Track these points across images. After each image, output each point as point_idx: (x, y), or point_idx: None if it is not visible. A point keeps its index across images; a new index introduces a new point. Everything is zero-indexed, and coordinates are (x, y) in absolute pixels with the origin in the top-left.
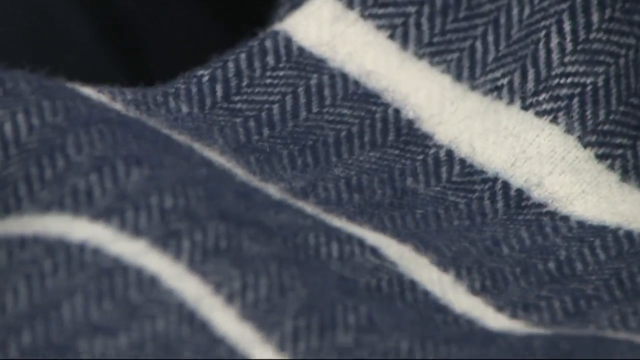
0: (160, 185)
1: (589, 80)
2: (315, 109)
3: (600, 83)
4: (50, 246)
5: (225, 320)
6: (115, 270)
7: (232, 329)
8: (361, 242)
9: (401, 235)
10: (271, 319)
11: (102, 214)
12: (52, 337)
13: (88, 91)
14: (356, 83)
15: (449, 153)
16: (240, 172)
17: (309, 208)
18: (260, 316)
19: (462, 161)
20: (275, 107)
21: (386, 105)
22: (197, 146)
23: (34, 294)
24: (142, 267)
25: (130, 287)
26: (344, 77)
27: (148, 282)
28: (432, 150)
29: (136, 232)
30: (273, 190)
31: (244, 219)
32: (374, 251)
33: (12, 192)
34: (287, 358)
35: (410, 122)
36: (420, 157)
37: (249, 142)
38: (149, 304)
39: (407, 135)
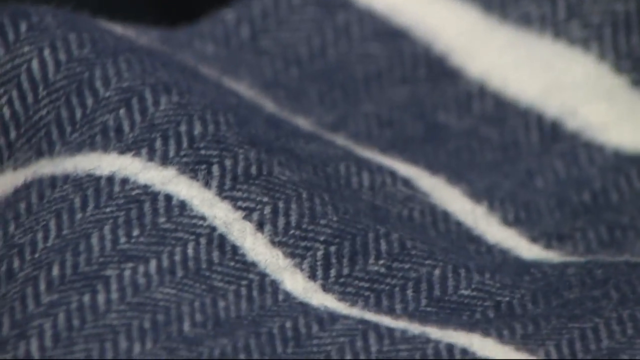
0: (189, 112)
1: (621, 6)
2: (343, 47)
3: (632, 8)
4: (79, 182)
5: (256, 246)
6: (144, 198)
7: (262, 254)
8: (393, 173)
9: (433, 167)
10: (302, 246)
11: (131, 147)
12: (81, 267)
13: (114, 27)
14: (384, 20)
15: (481, 86)
16: (269, 105)
17: (340, 140)
18: (291, 243)
19: (495, 94)
20: (303, 46)
21: (415, 41)
22: (225, 80)
23: (63, 229)
24: (171, 194)
25: (159, 213)
26: (372, 13)
27: (177, 208)
28: (464, 84)
29: (165, 160)
30: (303, 122)
31: (274, 146)
32: (406, 182)
33: (45, 137)
34: (318, 285)
35: (440, 57)
36: (452, 91)
37: (276, 80)
38: (179, 230)
39: (438, 70)
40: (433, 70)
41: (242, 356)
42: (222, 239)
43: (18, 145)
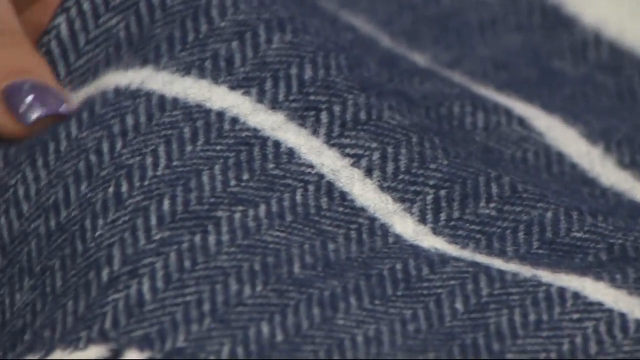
0: (300, 53)
1: None
2: None
3: None
4: (189, 112)
5: (364, 192)
6: (253, 142)
7: (371, 200)
8: (508, 112)
9: (549, 107)
10: (411, 190)
11: (241, 84)
12: (192, 205)
13: None
14: None
15: (596, 34)
16: (385, 39)
17: (456, 77)
18: (400, 187)
19: (611, 42)
20: None
21: None
22: (342, 13)
23: (173, 159)
24: (280, 140)
25: (268, 159)
26: None
27: (286, 155)
28: (579, 32)
29: (275, 104)
30: (419, 58)
31: (385, 89)
32: (521, 121)
33: (153, 49)
34: (429, 228)
35: (555, 5)
36: (567, 39)
37: (390, 22)
38: (287, 177)
39: (553, 18)
40: (548, 18)
41: (352, 298)
42: (330, 185)
43: (126, 56)
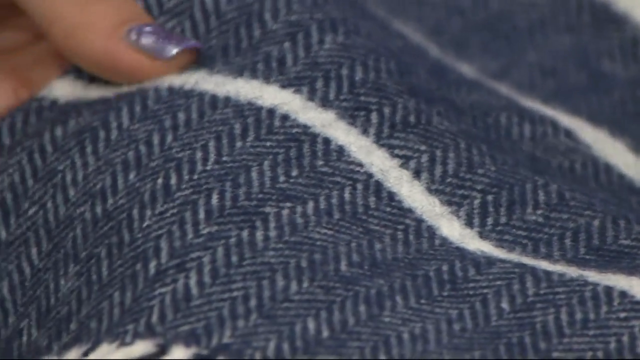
0: (352, 55)
1: None
2: None
3: None
4: (240, 109)
5: (412, 193)
6: (303, 138)
7: (419, 201)
8: (555, 124)
9: (596, 119)
10: (459, 194)
11: (292, 82)
12: (240, 201)
13: None
14: None
15: None
16: (433, 49)
17: (503, 89)
18: (448, 191)
19: None
20: None
21: None
22: (391, 20)
23: (223, 155)
24: (329, 138)
25: (317, 156)
26: None
27: (335, 153)
28: (630, 30)
29: (325, 102)
30: (467, 69)
31: (434, 96)
32: (568, 133)
33: (208, 57)
34: (475, 232)
35: (605, 2)
36: (617, 37)
37: (440, 28)
38: (336, 174)
39: (603, 16)
40: (597, 16)
41: (398, 297)
42: (379, 185)
43: None
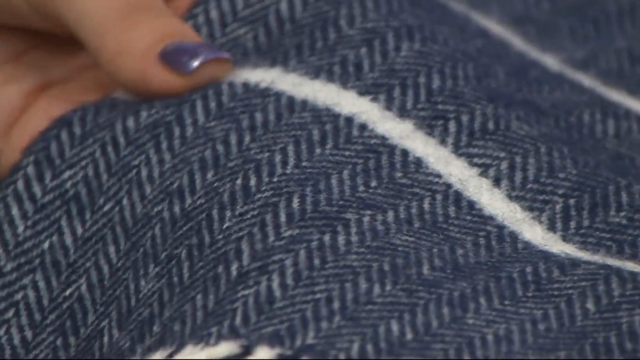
0: (429, 62)
1: None
2: None
3: None
4: (318, 114)
5: (492, 201)
6: (381, 150)
7: (499, 209)
8: None
9: None
10: (540, 199)
11: (369, 90)
12: (321, 206)
13: None
14: None
15: None
16: (517, 42)
17: (587, 81)
18: (529, 197)
19: None
20: None
21: None
22: (473, 16)
23: (302, 160)
24: (408, 149)
25: (396, 167)
26: None
27: (413, 165)
28: None
29: (403, 111)
30: (551, 61)
31: (513, 99)
32: None
33: (282, 53)
34: (558, 236)
35: None
36: None
37: (527, 14)
38: (415, 186)
39: None
40: None
41: (481, 299)
42: (458, 195)
43: (253, 58)
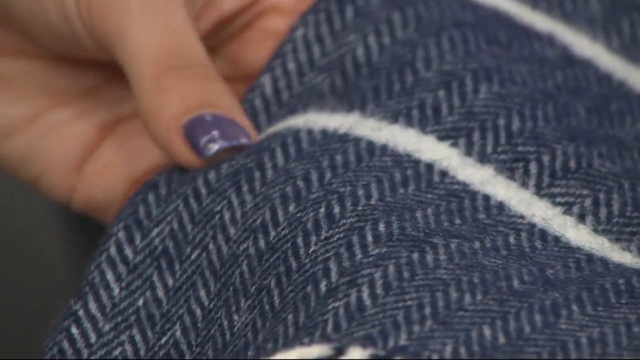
0: (508, 104)
1: None
2: None
3: None
4: (399, 159)
5: (578, 235)
6: (463, 195)
7: (587, 241)
8: None
9: None
10: (627, 231)
11: (449, 134)
12: (408, 231)
13: None
14: None
15: None
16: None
17: None
18: (616, 230)
19: None
20: None
21: None
22: (559, 32)
23: (386, 196)
24: (489, 194)
25: (478, 210)
26: None
27: (496, 208)
28: None
29: (483, 157)
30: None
31: (595, 136)
32: None
33: (359, 97)
34: None
35: None
36: None
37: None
38: (499, 224)
39: None
40: None
41: (574, 306)
42: (543, 232)
43: (330, 101)
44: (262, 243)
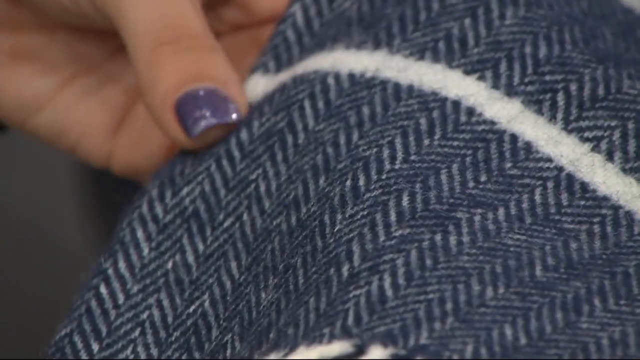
0: (534, 29)
1: None
2: None
3: None
4: (425, 100)
5: (606, 178)
6: (490, 137)
7: (614, 186)
8: None
9: None
10: None
11: (475, 67)
12: (432, 204)
13: None
14: None
15: None
16: None
17: None
18: None
19: None
20: None
21: None
22: None
23: (411, 153)
24: (516, 134)
25: (505, 157)
26: None
27: (523, 151)
28: None
29: (510, 89)
30: None
31: (623, 58)
32: None
33: (385, 28)
34: None
35: None
36: None
37: None
38: (525, 176)
39: None
40: None
41: (596, 300)
42: (570, 178)
43: (356, 33)
44: (293, 220)
